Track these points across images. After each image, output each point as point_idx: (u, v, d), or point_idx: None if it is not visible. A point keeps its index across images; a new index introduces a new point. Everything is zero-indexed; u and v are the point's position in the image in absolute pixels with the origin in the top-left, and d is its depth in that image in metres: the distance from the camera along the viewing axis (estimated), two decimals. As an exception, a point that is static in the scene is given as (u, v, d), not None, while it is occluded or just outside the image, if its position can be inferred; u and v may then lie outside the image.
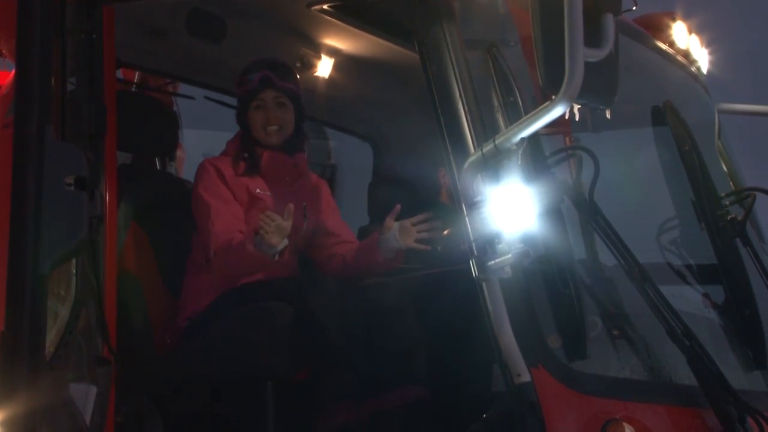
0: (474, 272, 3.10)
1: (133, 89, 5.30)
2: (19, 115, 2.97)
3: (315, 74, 5.06)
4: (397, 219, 4.13)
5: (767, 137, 4.92)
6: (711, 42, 4.90)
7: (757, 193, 4.38)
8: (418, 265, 4.38)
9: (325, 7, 4.33)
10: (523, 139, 2.94)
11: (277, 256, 3.95)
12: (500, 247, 3.00)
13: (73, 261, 3.08)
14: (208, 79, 5.29)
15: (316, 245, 4.47)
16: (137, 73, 5.35)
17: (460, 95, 3.30)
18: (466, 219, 3.14)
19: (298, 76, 4.49)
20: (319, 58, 5.02)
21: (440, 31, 3.37)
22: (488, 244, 3.04)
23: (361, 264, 4.29)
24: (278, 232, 3.88)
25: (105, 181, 3.35)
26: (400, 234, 4.08)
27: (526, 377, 3.01)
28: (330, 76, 5.07)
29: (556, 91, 2.67)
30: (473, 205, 3.11)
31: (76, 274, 3.10)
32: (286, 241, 3.92)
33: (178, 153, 5.35)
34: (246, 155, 4.31)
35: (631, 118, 4.42)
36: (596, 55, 2.69)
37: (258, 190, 4.27)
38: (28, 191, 2.89)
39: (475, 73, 3.38)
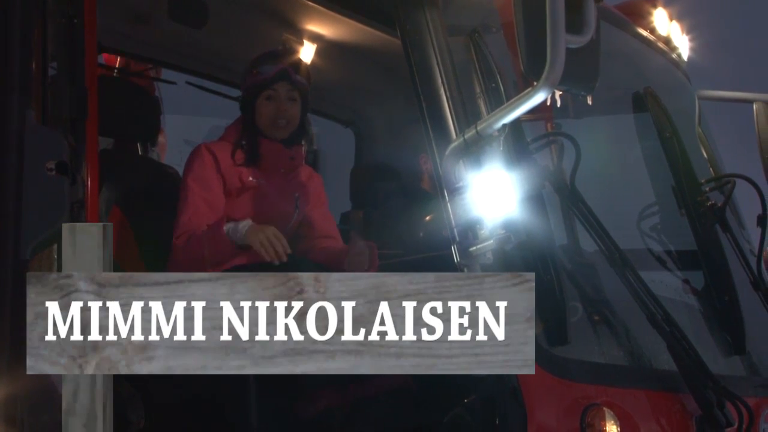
0: (456, 258, 3.10)
1: (115, 74, 5.29)
2: (-1, 99, 2.95)
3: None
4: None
5: (747, 123, 4.94)
6: (692, 28, 4.91)
7: (737, 180, 4.40)
8: (400, 251, 4.38)
9: (307, -9, 4.33)
10: (504, 125, 2.94)
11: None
12: (482, 233, 3.01)
13: (55, 246, 3.07)
14: (190, 65, 5.27)
15: (299, 235, 4.46)
16: (119, 58, 5.33)
17: (442, 81, 3.30)
18: (448, 205, 3.14)
19: (309, 72, 4.42)
20: (301, 43, 5.00)
21: (422, 16, 3.36)
22: (470, 230, 3.05)
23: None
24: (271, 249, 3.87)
25: (87, 167, 3.33)
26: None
27: (507, 362, 3.01)
28: (312, 61, 5.05)
29: (537, 78, 2.66)
30: (455, 191, 3.12)
31: (57, 260, 3.09)
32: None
33: (160, 138, 5.33)
34: (245, 144, 4.27)
35: (612, 105, 4.43)
36: (578, 41, 2.69)
37: (251, 178, 4.24)
38: (8, 176, 2.88)
39: (457, 59, 3.38)
